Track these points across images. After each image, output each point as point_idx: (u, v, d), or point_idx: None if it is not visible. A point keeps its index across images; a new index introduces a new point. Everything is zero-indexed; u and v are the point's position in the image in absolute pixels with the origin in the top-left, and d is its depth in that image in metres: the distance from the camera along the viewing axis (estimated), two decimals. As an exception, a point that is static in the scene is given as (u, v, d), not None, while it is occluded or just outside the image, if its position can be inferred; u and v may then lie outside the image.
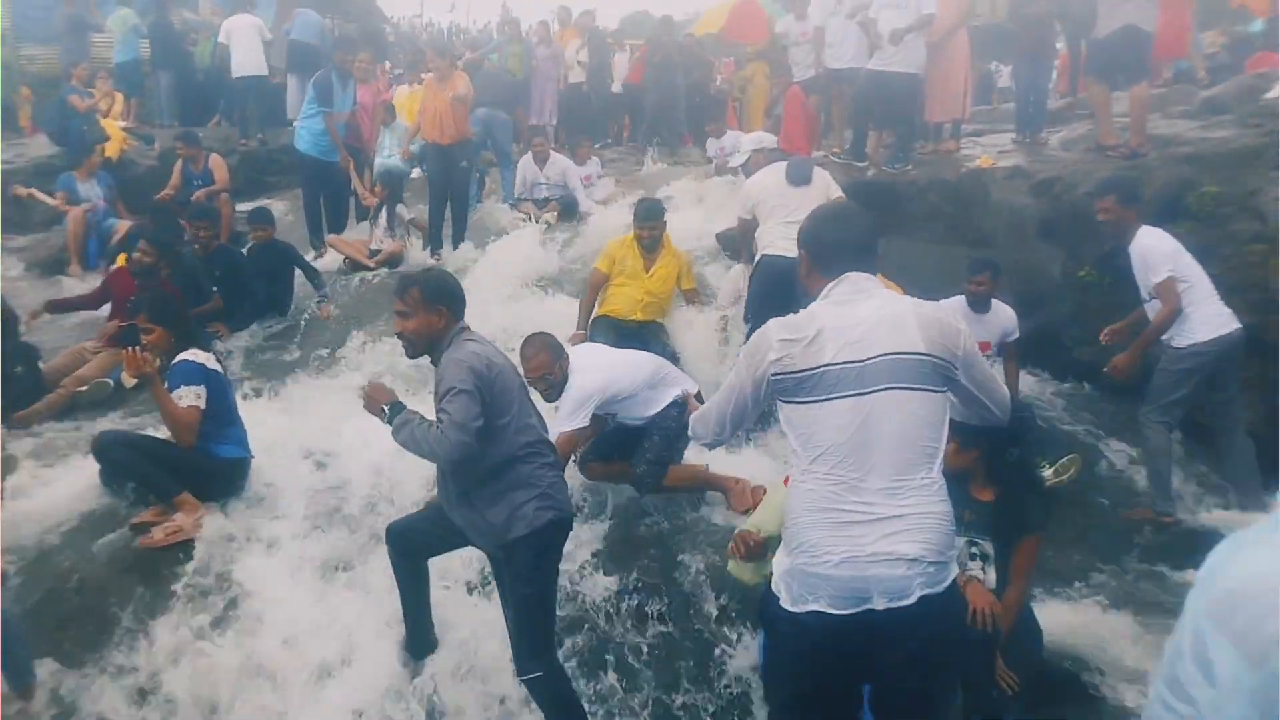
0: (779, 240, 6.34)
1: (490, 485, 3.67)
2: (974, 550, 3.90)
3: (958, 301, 6.25)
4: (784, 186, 6.61)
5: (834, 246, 2.98)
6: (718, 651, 4.40)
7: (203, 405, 4.93)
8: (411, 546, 4.15)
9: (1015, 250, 7.70)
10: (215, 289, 7.90)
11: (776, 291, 6.02)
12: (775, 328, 2.89)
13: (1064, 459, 6.13)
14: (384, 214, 9.68)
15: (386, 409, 3.73)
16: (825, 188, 6.65)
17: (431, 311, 3.74)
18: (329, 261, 9.48)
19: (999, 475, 3.99)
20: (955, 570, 2.76)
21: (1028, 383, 7.02)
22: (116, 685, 4.17)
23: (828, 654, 2.76)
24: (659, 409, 5.24)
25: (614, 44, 16.49)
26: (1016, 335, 6.40)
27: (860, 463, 2.71)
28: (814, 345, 2.78)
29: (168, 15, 14.64)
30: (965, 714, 3.83)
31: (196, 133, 11.50)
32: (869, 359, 2.73)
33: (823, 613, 2.70)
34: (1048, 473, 6.06)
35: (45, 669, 4.16)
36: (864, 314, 2.81)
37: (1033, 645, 3.98)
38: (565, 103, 14.41)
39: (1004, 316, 6.35)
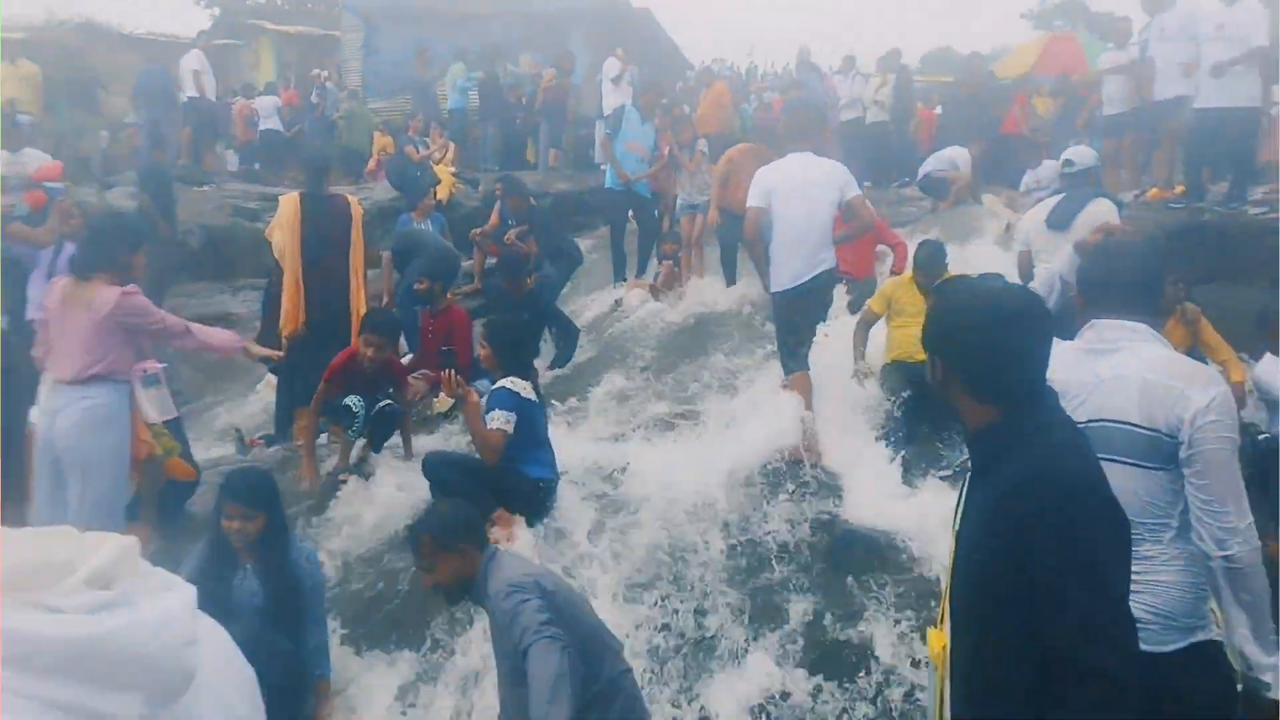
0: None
1: None
2: None
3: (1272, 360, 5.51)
4: (1043, 229, 6.01)
5: (1097, 286, 2.83)
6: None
7: (510, 430, 5.25)
8: None
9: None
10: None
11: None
12: None
13: None
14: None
15: None
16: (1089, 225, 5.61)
17: (453, 554, 3.56)
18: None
19: None
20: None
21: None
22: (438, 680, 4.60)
23: None
24: None
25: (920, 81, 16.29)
26: None
27: None
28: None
29: (495, 70, 15.97)
30: None
31: (521, 180, 12.33)
32: (1085, 423, 2.57)
33: None
34: None
35: (372, 658, 4.73)
36: (1098, 371, 2.70)
37: None
38: (865, 143, 14.39)
39: None
